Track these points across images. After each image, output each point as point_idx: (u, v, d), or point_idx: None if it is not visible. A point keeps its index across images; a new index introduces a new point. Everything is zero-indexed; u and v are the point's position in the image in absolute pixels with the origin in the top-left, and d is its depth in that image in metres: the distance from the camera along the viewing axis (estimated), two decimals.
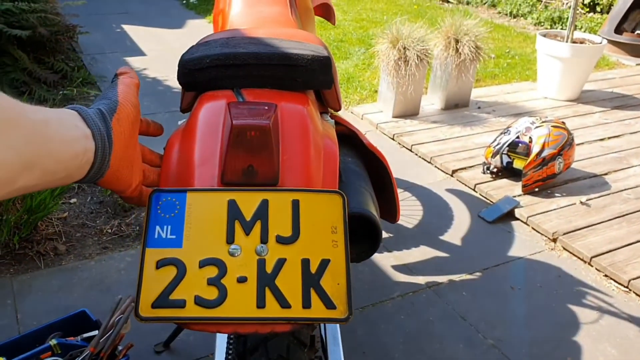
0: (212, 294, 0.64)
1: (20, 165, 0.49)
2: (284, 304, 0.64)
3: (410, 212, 2.44)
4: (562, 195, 2.55)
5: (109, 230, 2.16)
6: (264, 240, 0.67)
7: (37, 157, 0.51)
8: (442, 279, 2.03)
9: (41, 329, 1.56)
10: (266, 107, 0.73)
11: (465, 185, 2.66)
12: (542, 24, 5.74)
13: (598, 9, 5.75)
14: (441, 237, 2.27)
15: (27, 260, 1.97)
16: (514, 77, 4.20)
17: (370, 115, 3.34)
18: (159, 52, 4.25)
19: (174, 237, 0.67)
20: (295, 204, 0.70)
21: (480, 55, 3.33)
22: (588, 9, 5.84)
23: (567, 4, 5.80)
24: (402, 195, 2.56)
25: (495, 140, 2.68)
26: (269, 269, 0.66)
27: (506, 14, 6.15)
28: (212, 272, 0.65)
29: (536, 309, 1.91)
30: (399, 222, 2.34)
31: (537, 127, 2.58)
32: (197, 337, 1.70)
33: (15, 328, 1.70)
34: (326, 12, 2.15)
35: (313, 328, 0.88)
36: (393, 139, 3.10)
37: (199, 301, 0.63)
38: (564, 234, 2.26)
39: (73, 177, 0.60)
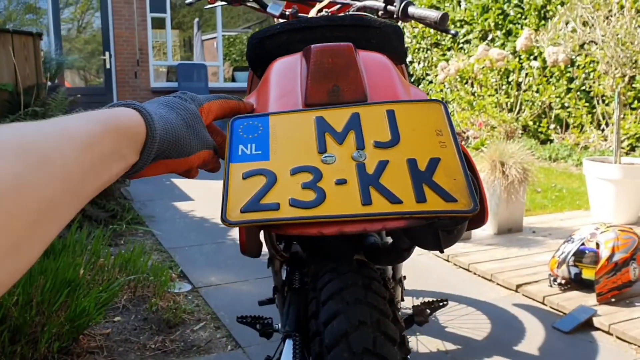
0: (308, 196, 0.56)
1: (68, 196, 0.42)
2: (394, 199, 0.55)
3: (476, 325, 2.22)
4: None
5: (153, 346, 2.01)
6: (360, 146, 0.60)
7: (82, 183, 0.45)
8: None
9: None
10: (344, 44, 0.72)
11: (533, 299, 2.44)
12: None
13: (638, 152, 5.73)
14: (515, 348, 2.02)
15: None
16: (564, 207, 4.09)
17: None
18: (205, 197, 4.34)
19: (259, 152, 0.61)
20: (391, 114, 0.63)
21: (529, 177, 3.28)
22: (628, 149, 5.84)
23: (609, 146, 5.84)
24: (465, 310, 2.36)
25: (559, 249, 2.52)
26: (370, 170, 0.58)
27: (545, 159, 6.20)
28: (306, 177, 0.58)
29: None
30: (466, 334, 2.12)
31: (602, 232, 2.42)
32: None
33: None
34: None
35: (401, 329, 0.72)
36: (447, 260, 2.95)
37: (295, 203, 0.55)
38: None
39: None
